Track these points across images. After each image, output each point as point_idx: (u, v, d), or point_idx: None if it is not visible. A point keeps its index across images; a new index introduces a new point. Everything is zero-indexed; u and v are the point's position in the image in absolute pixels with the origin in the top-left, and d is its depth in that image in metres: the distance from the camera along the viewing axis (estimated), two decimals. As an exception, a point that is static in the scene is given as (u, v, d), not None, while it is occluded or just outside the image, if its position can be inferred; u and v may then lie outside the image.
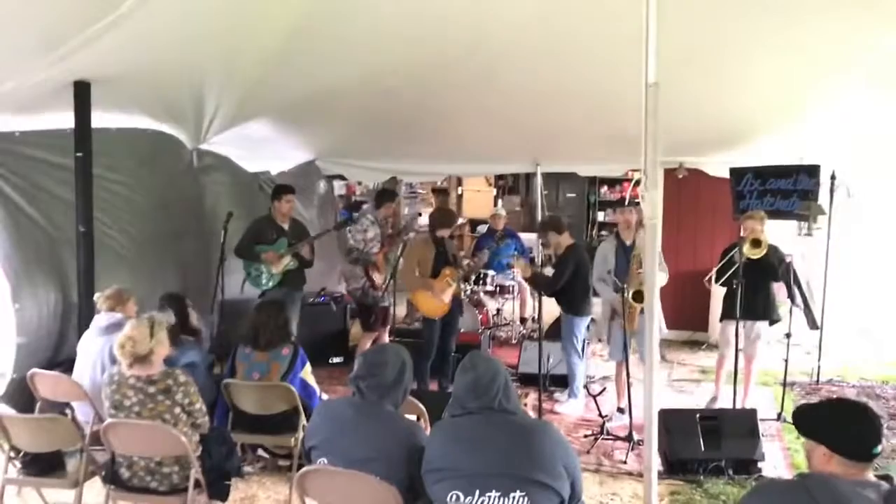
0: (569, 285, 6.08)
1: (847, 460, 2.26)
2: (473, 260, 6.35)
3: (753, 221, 5.82)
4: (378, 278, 6.89)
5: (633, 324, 5.68)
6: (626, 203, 6.07)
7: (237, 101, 5.89)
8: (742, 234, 5.86)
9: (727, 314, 5.98)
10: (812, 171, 6.69)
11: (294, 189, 6.67)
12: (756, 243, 5.64)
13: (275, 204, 6.55)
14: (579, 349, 6.28)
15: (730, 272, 5.71)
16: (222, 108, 6.05)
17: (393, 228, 7.27)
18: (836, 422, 2.35)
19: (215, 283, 6.06)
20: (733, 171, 7.25)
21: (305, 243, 6.50)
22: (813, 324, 6.39)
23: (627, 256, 5.85)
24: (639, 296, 5.57)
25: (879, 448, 2.25)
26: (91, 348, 4.51)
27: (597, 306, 6.61)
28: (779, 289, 6.09)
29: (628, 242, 5.92)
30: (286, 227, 6.57)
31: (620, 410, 5.95)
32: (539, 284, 6.09)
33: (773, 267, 5.75)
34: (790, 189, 6.87)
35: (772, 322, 6.01)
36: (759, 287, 5.79)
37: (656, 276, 3.45)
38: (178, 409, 3.64)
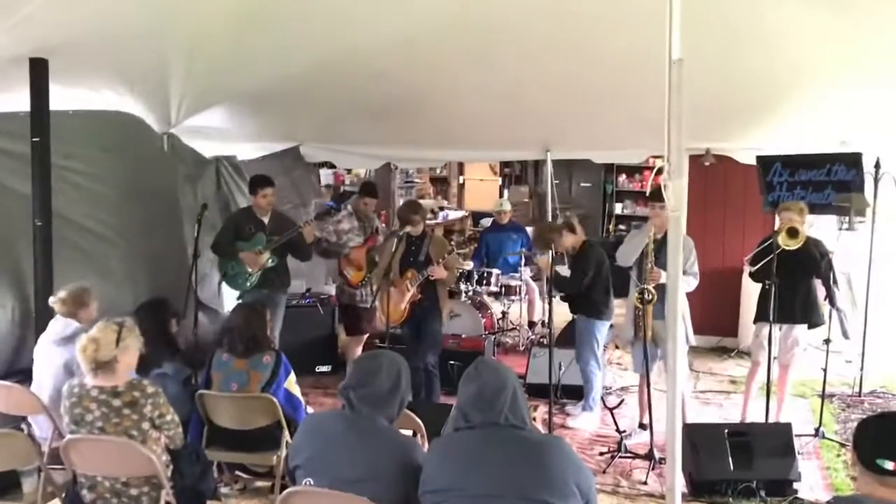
0: (572, 286, 6.07)
1: (864, 470, 2.31)
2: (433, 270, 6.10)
3: (790, 213, 5.74)
4: (352, 274, 6.92)
5: (648, 329, 5.61)
6: (650, 195, 5.94)
7: (209, 78, 5.87)
8: (777, 228, 5.81)
9: (762, 315, 5.92)
10: (852, 160, 6.65)
11: (272, 181, 6.65)
12: (792, 233, 5.55)
13: (252, 198, 6.62)
14: (600, 356, 6.27)
15: (763, 262, 5.62)
16: (192, 87, 6.04)
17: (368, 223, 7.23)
18: (865, 426, 2.40)
19: (188, 282, 6.05)
20: (761, 159, 7.22)
21: (284, 238, 6.46)
22: (845, 333, 6.33)
23: (644, 251, 5.75)
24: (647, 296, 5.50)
25: (890, 465, 2.26)
26: (48, 359, 4.50)
27: (619, 308, 6.60)
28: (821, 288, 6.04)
29: (659, 235, 5.59)
30: (266, 220, 6.59)
31: (642, 427, 5.94)
32: (563, 286, 6.09)
33: (815, 261, 5.68)
34: (823, 180, 6.83)
35: (811, 325, 5.96)
36: (797, 285, 5.73)
37: (679, 275, 3.44)
38: (146, 424, 3.64)
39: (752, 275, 5.92)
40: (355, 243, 6.97)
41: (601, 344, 6.27)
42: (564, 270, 6.18)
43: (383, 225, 7.27)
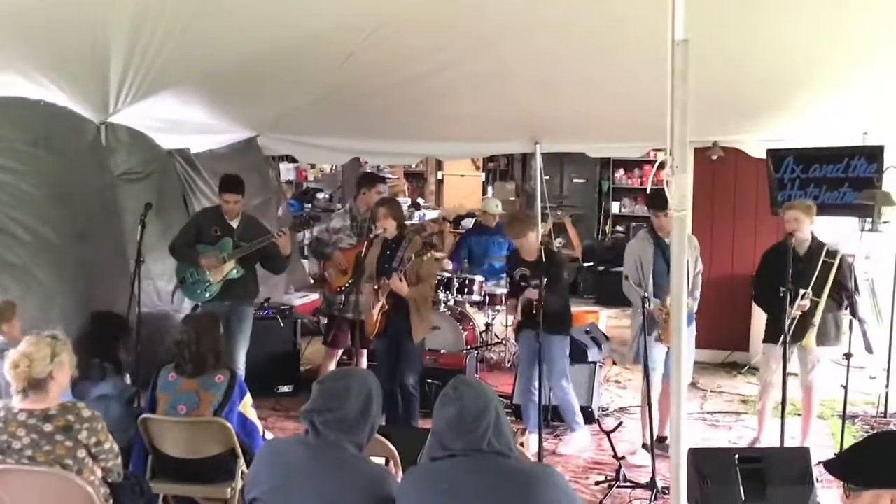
0: (550, 299, 6.08)
1: None
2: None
3: (795, 212, 5.79)
4: (333, 278, 6.89)
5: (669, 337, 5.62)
6: (650, 192, 5.98)
7: (155, 59, 5.83)
8: (787, 230, 5.84)
9: (772, 336, 5.95)
10: (873, 153, 6.70)
11: (241, 188, 6.50)
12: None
13: (222, 197, 6.53)
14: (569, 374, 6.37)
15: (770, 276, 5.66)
16: (136, 68, 5.99)
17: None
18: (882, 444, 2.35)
19: (130, 292, 6.00)
20: (771, 153, 7.27)
21: (253, 247, 6.35)
22: (868, 346, 6.38)
23: (667, 257, 5.79)
24: None
25: None
26: None
27: (617, 319, 6.63)
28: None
29: (668, 240, 5.72)
30: (235, 224, 6.49)
31: (646, 447, 5.96)
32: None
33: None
34: (840, 177, 6.85)
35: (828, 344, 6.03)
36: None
37: (684, 282, 3.46)
38: (82, 453, 3.61)
39: (757, 299, 5.91)
40: (346, 244, 6.93)
41: (567, 361, 6.37)
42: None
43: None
